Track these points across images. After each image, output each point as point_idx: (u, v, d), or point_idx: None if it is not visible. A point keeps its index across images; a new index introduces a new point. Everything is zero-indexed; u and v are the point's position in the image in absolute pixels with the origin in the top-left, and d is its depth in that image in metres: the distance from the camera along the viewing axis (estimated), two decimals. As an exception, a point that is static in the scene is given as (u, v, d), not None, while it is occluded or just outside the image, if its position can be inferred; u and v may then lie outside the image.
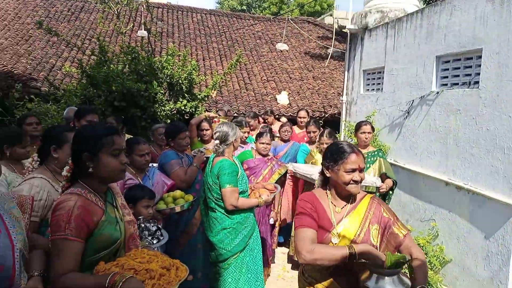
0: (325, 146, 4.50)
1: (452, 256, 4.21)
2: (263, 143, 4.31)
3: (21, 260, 1.60)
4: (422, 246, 4.19)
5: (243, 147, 4.85)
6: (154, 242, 2.55)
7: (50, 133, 2.43)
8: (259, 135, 4.39)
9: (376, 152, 4.25)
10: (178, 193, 3.30)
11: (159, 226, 2.74)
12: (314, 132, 5.16)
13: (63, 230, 1.55)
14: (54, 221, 1.58)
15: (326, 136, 4.53)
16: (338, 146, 2.04)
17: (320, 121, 8.16)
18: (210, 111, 7.33)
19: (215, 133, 3.23)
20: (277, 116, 9.01)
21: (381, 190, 3.89)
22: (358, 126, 4.31)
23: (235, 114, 8.19)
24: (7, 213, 1.65)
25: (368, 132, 4.21)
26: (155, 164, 3.72)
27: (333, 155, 2.04)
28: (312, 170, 4.13)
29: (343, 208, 2.04)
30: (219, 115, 5.03)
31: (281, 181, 4.49)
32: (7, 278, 1.49)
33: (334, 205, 2.06)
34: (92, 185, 1.74)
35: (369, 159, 4.19)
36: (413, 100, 5.11)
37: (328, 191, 2.11)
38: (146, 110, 6.05)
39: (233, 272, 3.16)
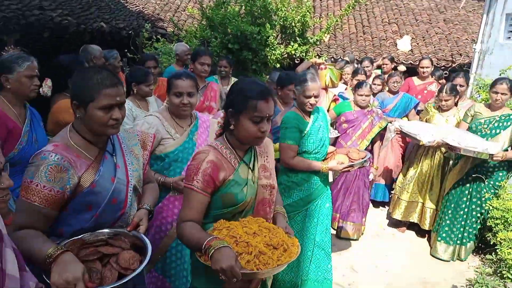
0: (444, 103, 4.11)
1: None
2: (361, 95, 4.07)
3: (133, 195, 1.73)
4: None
5: (343, 96, 4.69)
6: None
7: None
8: (358, 85, 4.15)
9: (510, 117, 3.69)
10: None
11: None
12: (461, 86, 4.48)
13: (191, 180, 1.63)
14: (187, 170, 1.67)
15: (446, 92, 4.07)
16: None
17: (445, 72, 7.35)
18: (321, 56, 7.03)
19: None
20: (394, 65, 8.38)
21: (494, 158, 3.47)
22: (493, 83, 3.75)
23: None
24: (129, 150, 1.77)
25: (503, 93, 3.62)
26: None
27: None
28: (420, 129, 3.82)
29: None
30: (326, 62, 4.78)
31: (381, 135, 4.33)
32: (118, 209, 1.64)
33: None
34: (233, 141, 1.74)
35: (501, 124, 3.68)
36: None
37: None
38: (258, 53, 6.13)
39: None
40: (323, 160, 2.99)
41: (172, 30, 8.30)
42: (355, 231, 4.23)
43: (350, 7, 7.05)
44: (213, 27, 6.32)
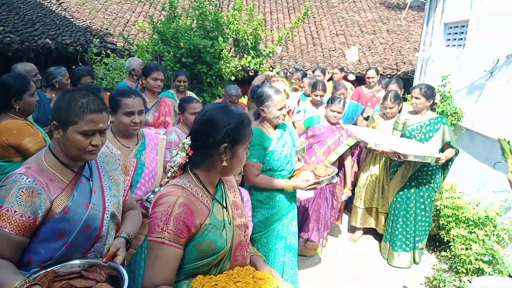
0: (389, 111, 4.22)
1: (526, 231, 3.91)
2: (333, 111, 3.91)
3: (111, 222, 1.63)
4: (491, 219, 3.93)
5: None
6: None
7: (111, 98, 2.36)
8: (331, 100, 3.99)
9: (439, 119, 3.82)
10: None
11: None
12: (391, 108, 4.56)
13: (160, 231, 1.34)
14: (152, 219, 1.37)
15: (389, 100, 4.19)
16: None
17: (397, 79, 7.72)
18: (274, 68, 7.11)
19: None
20: (344, 74, 8.69)
21: (439, 162, 3.58)
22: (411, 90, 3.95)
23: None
24: (107, 175, 1.67)
25: (416, 97, 3.78)
26: None
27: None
28: (367, 135, 3.84)
29: None
30: (278, 74, 4.81)
31: (352, 153, 4.23)
32: (92, 238, 1.53)
33: None
34: (204, 176, 1.51)
35: (431, 127, 3.80)
36: (498, 59, 4.59)
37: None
38: (212, 66, 6.13)
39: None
40: (290, 178, 2.87)
41: (122, 45, 8.12)
42: (311, 250, 4.08)
43: (300, 20, 7.26)
44: (165, 41, 6.26)
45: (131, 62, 4.96)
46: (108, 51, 7.39)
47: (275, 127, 2.84)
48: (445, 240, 4.07)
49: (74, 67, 6.59)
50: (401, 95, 5.03)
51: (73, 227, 1.47)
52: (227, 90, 4.46)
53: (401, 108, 4.36)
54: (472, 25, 5.24)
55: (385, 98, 4.29)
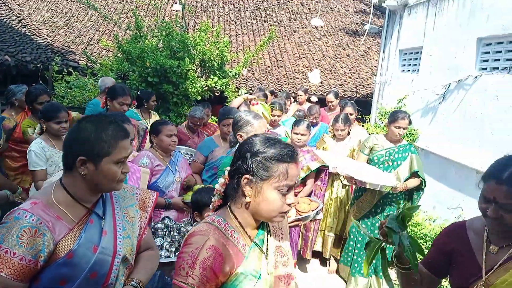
0: (340, 133, 4.23)
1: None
2: (297, 133, 3.72)
3: (122, 267, 1.44)
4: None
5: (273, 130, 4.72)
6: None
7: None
8: (296, 123, 3.83)
9: (407, 147, 3.66)
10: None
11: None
12: (351, 114, 4.82)
13: (185, 275, 1.17)
14: (179, 259, 1.22)
15: (341, 123, 4.18)
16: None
17: (352, 102, 8.04)
18: (245, 92, 7.06)
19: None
20: (307, 96, 8.95)
21: (396, 190, 3.44)
22: (394, 118, 3.58)
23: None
24: (122, 212, 1.50)
25: (404, 128, 3.56)
26: (182, 148, 3.70)
27: None
28: (327, 157, 3.80)
29: None
30: (259, 97, 4.79)
31: (320, 178, 3.87)
32: (98, 285, 1.36)
33: None
34: (239, 213, 1.30)
35: (400, 155, 3.63)
36: (449, 84, 4.93)
37: None
38: (178, 86, 6.15)
39: None
40: None
41: (85, 63, 7.98)
42: None
43: (265, 43, 7.48)
44: (130, 60, 6.23)
45: (105, 81, 4.87)
46: (70, 69, 7.24)
47: None
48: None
49: (33, 84, 6.40)
50: (357, 117, 5.25)
51: (77, 273, 1.31)
52: (191, 112, 4.45)
53: (349, 130, 4.39)
54: (425, 51, 5.62)
55: (336, 120, 4.27)
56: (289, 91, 8.35)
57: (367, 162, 3.74)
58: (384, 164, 3.63)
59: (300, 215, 2.46)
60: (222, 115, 3.48)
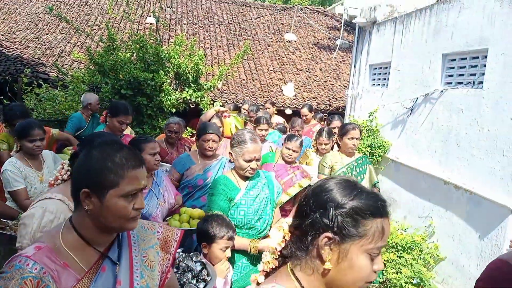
0: (324, 147, 4.17)
1: (446, 254, 4.27)
2: (289, 149, 3.65)
3: None
4: (418, 243, 4.26)
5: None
6: (200, 286, 1.91)
7: (90, 138, 1.96)
8: (288, 138, 3.75)
9: (364, 159, 3.68)
10: (197, 212, 2.72)
11: (204, 261, 2.08)
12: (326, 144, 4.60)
13: None
14: None
15: (324, 137, 4.16)
16: None
17: (325, 114, 8.20)
18: (220, 105, 7.03)
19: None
20: (281, 108, 9.06)
21: None
22: (345, 130, 3.55)
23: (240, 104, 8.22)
24: (141, 256, 1.29)
25: (357, 138, 3.52)
26: (165, 165, 3.49)
27: None
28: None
29: None
30: (230, 109, 4.74)
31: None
32: None
33: None
34: (313, 285, 1.04)
35: (360, 168, 3.59)
36: (417, 98, 5.12)
37: None
38: (153, 99, 6.12)
39: None
40: (262, 238, 2.39)
41: (56, 75, 7.82)
42: None
43: (239, 57, 7.56)
44: (103, 73, 6.16)
45: (87, 96, 5.02)
46: (40, 81, 7.07)
47: (246, 178, 2.43)
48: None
49: (1, 97, 6.21)
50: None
51: None
52: (167, 121, 4.38)
53: (333, 146, 4.30)
54: (394, 66, 5.83)
55: (319, 134, 4.23)
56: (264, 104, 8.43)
57: None
58: None
59: None
60: (201, 130, 3.26)
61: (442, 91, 4.65)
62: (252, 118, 5.41)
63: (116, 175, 1.15)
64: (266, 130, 4.39)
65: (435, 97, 4.78)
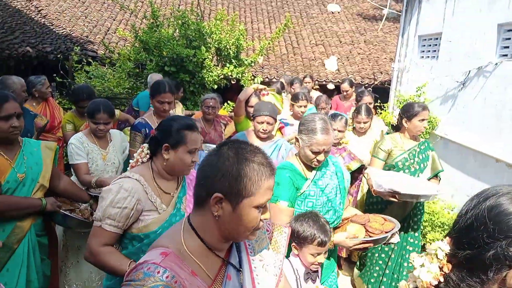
0: (362, 125, 3.80)
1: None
2: (334, 129, 3.23)
3: None
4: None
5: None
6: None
7: (168, 126, 1.82)
8: (332, 117, 3.47)
9: (426, 145, 3.21)
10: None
11: None
12: (370, 103, 4.51)
13: None
14: None
15: (364, 114, 3.77)
16: None
17: (369, 89, 7.96)
18: (260, 81, 6.93)
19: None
20: (324, 83, 8.90)
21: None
22: (415, 111, 3.04)
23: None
24: (258, 259, 1.21)
25: (427, 120, 3.09)
26: (210, 146, 3.34)
27: None
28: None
29: None
30: (268, 87, 4.53)
31: (354, 178, 3.66)
32: None
33: None
34: None
35: (423, 155, 3.15)
36: (469, 71, 4.83)
37: None
38: (195, 75, 6.21)
39: None
40: (334, 230, 2.18)
41: (103, 52, 8.09)
42: None
43: (280, 31, 7.43)
44: (147, 50, 6.31)
45: (152, 77, 4.62)
46: (89, 59, 7.36)
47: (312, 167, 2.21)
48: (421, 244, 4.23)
49: (54, 75, 6.55)
50: (375, 105, 5.05)
51: None
52: (202, 97, 4.27)
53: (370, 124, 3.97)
54: (445, 38, 5.50)
55: (358, 112, 3.84)
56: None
57: (388, 170, 3.14)
58: (411, 168, 3.09)
59: (370, 236, 2.01)
60: (255, 111, 3.06)
61: (496, 63, 4.35)
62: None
63: (254, 185, 1.05)
64: (305, 106, 4.16)
65: (489, 70, 4.48)
